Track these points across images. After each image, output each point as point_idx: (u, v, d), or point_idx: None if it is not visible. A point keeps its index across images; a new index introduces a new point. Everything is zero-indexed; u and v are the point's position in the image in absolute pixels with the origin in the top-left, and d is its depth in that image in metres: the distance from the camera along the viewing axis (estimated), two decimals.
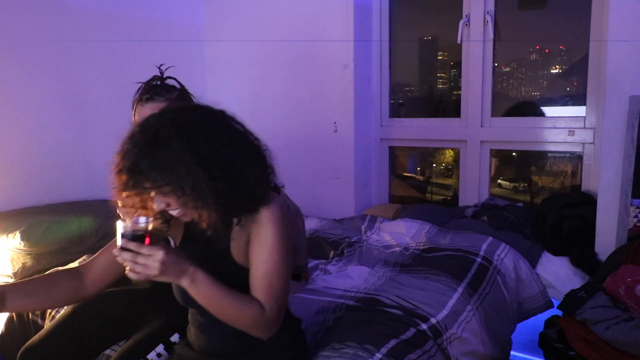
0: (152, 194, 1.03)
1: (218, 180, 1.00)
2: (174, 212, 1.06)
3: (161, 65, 1.60)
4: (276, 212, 1.08)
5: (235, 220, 1.09)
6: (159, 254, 0.98)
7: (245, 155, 1.06)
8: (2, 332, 1.84)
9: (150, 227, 1.02)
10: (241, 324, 1.08)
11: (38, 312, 1.84)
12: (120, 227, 1.00)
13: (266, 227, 1.07)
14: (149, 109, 1.51)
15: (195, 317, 1.25)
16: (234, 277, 1.10)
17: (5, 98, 2.37)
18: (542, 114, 2.67)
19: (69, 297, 1.20)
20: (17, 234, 2.13)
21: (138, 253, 0.98)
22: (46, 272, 1.20)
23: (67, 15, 2.57)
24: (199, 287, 1.04)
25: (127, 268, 0.99)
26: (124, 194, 1.04)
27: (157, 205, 1.04)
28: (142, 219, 1.02)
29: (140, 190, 1.02)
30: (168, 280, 1.02)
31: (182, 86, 1.61)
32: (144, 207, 1.07)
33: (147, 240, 1.01)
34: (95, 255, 1.25)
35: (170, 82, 1.60)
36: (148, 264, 0.98)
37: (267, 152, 1.12)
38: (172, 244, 1.17)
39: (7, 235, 2.16)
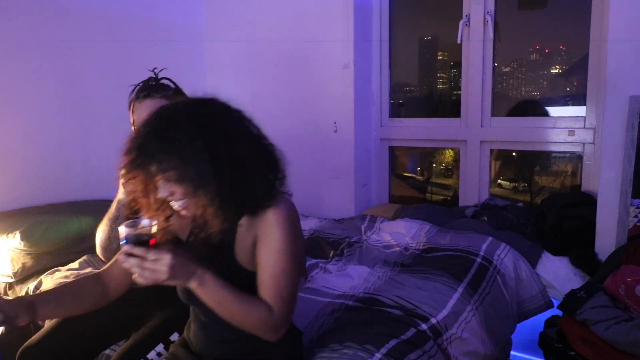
0: (158, 180, 1.02)
1: (224, 175, 0.99)
2: (176, 205, 1.05)
3: (155, 68, 1.61)
4: (284, 213, 1.07)
5: (238, 220, 1.08)
6: (166, 258, 0.96)
7: (255, 157, 1.05)
8: (2, 332, 1.85)
9: (154, 229, 0.99)
10: (249, 325, 1.07)
11: None
12: (123, 231, 0.97)
13: (274, 228, 1.06)
14: (146, 106, 1.51)
15: (198, 316, 1.24)
16: (237, 280, 1.09)
17: (5, 98, 2.37)
18: (542, 114, 2.67)
19: (95, 302, 1.19)
20: (17, 234, 2.13)
21: (144, 258, 0.96)
22: (69, 281, 1.24)
23: (67, 16, 2.57)
24: (208, 289, 1.03)
25: (135, 274, 0.98)
26: (128, 177, 1.02)
27: (160, 192, 1.02)
28: (146, 222, 1.00)
29: (146, 174, 1.01)
30: (176, 284, 1.01)
31: (177, 86, 1.61)
32: (146, 195, 1.05)
33: (152, 242, 0.99)
34: (114, 259, 1.25)
35: (165, 82, 1.60)
36: (156, 268, 0.96)
37: (280, 159, 1.11)
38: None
39: (7, 235, 2.16)
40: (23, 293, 1.94)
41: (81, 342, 1.47)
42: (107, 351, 1.53)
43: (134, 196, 1.08)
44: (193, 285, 1.02)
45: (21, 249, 2.15)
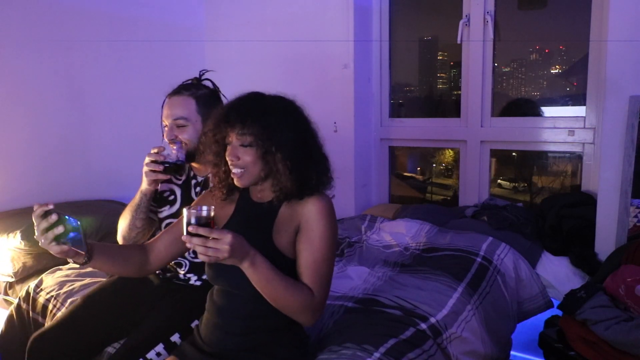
0: (229, 147, 1.18)
1: (296, 154, 1.16)
2: (235, 172, 1.18)
3: (202, 70, 1.68)
4: (327, 205, 1.20)
5: (286, 199, 1.20)
6: (227, 237, 1.03)
7: (319, 154, 1.24)
8: (2, 331, 1.85)
9: (212, 214, 1.08)
10: (291, 307, 1.14)
11: (39, 310, 1.84)
12: (186, 214, 1.06)
13: (318, 217, 1.17)
14: (174, 101, 1.56)
15: (215, 303, 1.27)
16: (273, 263, 1.14)
17: (6, 98, 2.37)
18: (542, 114, 2.67)
19: (137, 268, 1.29)
20: (18, 234, 2.14)
21: (207, 238, 1.03)
22: (121, 244, 1.41)
23: (68, 15, 2.58)
24: (258, 270, 1.10)
25: (199, 253, 1.05)
26: (211, 135, 1.20)
27: (228, 155, 1.17)
28: (205, 208, 1.07)
29: (225, 133, 1.17)
30: (233, 263, 1.08)
31: (215, 88, 1.67)
32: (217, 156, 1.22)
33: (212, 225, 1.07)
34: (159, 235, 1.36)
35: (205, 83, 1.66)
36: (218, 247, 1.03)
37: (332, 168, 1.28)
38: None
39: (7, 235, 2.17)
40: (23, 293, 1.94)
41: (88, 336, 1.49)
42: (108, 349, 1.53)
43: (206, 159, 1.25)
44: (246, 265, 1.09)
45: (22, 249, 2.15)
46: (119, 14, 2.78)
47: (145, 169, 1.48)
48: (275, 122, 1.16)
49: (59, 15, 2.54)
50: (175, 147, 1.49)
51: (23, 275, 2.17)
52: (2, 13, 2.33)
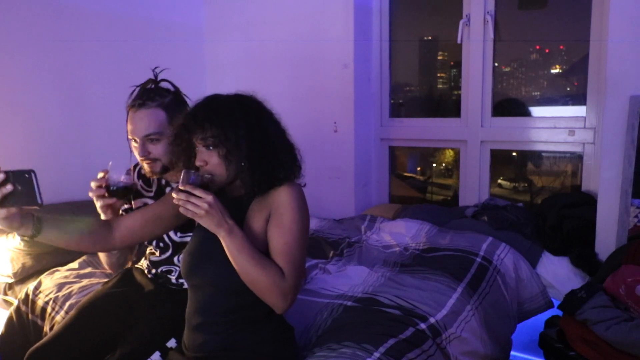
0: (197, 152, 1.21)
1: (254, 144, 1.18)
2: (207, 176, 1.21)
3: (155, 67, 1.55)
4: (297, 192, 1.22)
5: (256, 194, 1.22)
6: (208, 197, 1.13)
7: (280, 140, 1.25)
8: (2, 332, 1.85)
9: (206, 181, 1.18)
10: (262, 284, 1.15)
11: (38, 313, 1.84)
12: (183, 175, 1.16)
13: (289, 204, 1.19)
14: (142, 115, 1.45)
15: (190, 310, 1.27)
16: None
17: (5, 98, 2.37)
18: (542, 114, 2.67)
19: (95, 242, 1.32)
20: (17, 234, 2.13)
21: (192, 194, 1.12)
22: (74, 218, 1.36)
23: (67, 15, 2.57)
24: (234, 240, 1.15)
25: (180, 207, 1.14)
26: (176, 142, 1.23)
27: (197, 162, 1.21)
28: (200, 173, 1.17)
29: (189, 140, 1.21)
30: (209, 225, 1.14)
31: (177, 89, 1.55)
32: (186, 163, 1.25)
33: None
34: (128, 214, 1.39)
35: (164, 85, 1.54)
36: (198, 204, 1.12)
37: (299, 156, 1.31)
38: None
39: (7, 235, 2.16)
40: (23, 294, 1.94)
41: (85, 348, 1.45)
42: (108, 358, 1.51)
43: (176, 162, 1.28)
44: (223, 232, 1.15)
45: (21, 249, 2.15)
46: (118, 13, 2.78)
47: (91, 194, 1.44)
48: (231, 122, 1.18)
49: (58, 15, 2.54)
50: (123, 176, 1.44)
51: (22, 276, 2.17)
52: (1, 12, 2.33)
